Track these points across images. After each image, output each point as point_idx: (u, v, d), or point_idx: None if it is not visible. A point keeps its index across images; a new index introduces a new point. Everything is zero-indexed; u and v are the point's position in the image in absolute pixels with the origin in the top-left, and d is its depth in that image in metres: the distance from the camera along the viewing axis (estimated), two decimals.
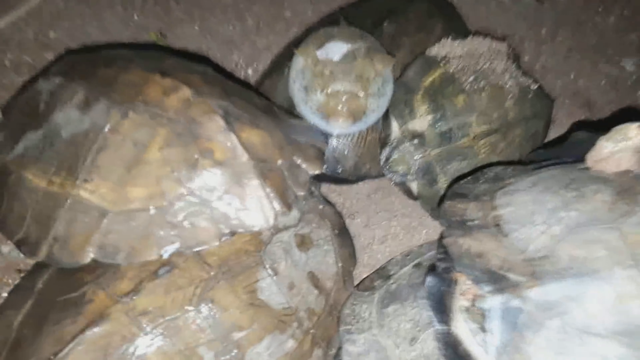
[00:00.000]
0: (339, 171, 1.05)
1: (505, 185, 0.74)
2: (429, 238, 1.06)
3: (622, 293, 0.59)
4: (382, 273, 0.95)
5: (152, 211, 0.72)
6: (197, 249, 0.72)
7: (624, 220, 0.62)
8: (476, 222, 0.69)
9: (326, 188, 1.12)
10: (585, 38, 1.46)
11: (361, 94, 0.91)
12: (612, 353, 0.58)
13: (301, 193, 0.79)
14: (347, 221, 1.09)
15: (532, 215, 0.66)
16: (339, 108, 0.90)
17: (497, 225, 0.67)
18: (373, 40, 0.97)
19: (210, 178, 0.73)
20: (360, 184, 1.13)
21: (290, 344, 0.80)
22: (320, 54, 0.91)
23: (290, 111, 1.01)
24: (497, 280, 0.63)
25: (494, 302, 0.62)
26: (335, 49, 0.91)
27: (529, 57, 1.42)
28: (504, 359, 0.62)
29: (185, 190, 0.72)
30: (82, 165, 0.74)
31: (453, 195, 0.77)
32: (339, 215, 0.99)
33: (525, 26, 1.46)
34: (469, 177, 0.82)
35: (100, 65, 0.84)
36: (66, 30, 1.26)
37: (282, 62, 1.15)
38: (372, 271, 1.02)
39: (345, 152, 1.04)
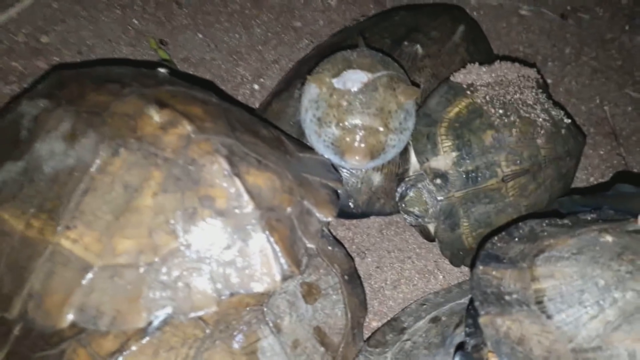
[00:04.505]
0: (351, 206, 0.96)
1: (544, 249, 0.65)
2: (446, 283, 0.98)
3: None
4: (394, 325, 0.86)
5: (142, 268, 0.62)
6: (192, 314, 0.63)
7: None
8: (514, 296, 0.60)
9: (334, 221, 1.03)
10: (611, 59, 1.40)
11: (381, 128, 0.82)
12: None
13: (312, 245, 0.70)
14: (357, 260, 1.00)
15: (581, 293, 0.57)
16: (356, 144, 0.81)
17: (540, 302, 0.58)
18: (396, 67, 0.88)
19: (209, 231, 0.64)
20: (372, 217, 1.04)
21: None
22: (337, 82, 0.82)
23: (300, 141, 0.92)
24: None
25: None
26: (354, 78, 0.81)
27: (553, 79, 1.34)
28: None
29: (180, 244, 0.63)
30: (65, 208, 0.65)
31: (486, 258, 0.67)
32: (350, 258, 0.90)
33: (548, 44, 1.40)
34: (502, 234, 0.73)
35: (91, 89, 0.75)
36: (59, 35, 1.17)
37: (292, 81, 1.05)
38: (382, 320, 0.93)
39: (359, 186, 0.95)
